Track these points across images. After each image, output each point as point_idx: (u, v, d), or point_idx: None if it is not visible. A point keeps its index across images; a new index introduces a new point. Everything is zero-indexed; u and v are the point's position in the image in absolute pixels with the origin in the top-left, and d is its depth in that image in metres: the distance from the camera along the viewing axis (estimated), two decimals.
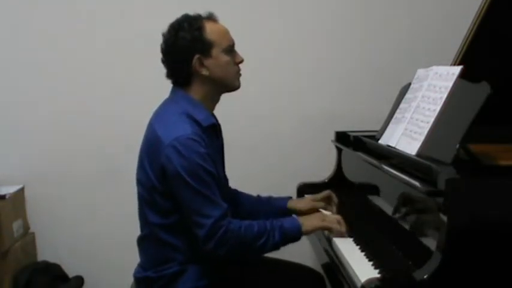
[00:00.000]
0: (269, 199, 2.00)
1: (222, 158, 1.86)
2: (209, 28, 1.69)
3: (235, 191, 2.01)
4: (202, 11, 1.75)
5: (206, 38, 1.67)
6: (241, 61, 1.75)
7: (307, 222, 1.73)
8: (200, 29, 1.67)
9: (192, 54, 1.67)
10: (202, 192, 1.58)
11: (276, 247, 1.68)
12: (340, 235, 1.75)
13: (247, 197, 2.01)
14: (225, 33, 1.73)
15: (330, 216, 1.81)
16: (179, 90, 1.74)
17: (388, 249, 1.61)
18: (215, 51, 1.68)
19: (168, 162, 1.59)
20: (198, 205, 1.58)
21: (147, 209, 1.70)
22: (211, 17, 1.73)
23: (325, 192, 1.98)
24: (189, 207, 1.59)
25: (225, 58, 1.71)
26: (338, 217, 1.79)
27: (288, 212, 1.93)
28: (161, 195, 1.65)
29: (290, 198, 2.02)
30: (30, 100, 2.65)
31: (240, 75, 1.77)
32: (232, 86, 1.76)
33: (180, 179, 1.57)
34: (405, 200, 1.60)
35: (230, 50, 1.72)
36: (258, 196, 2.02)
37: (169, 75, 1.75)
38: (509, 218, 1.32)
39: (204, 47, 1.67)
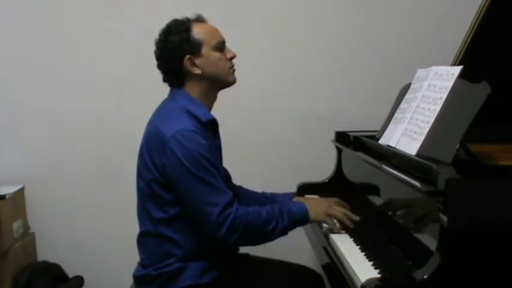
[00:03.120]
0: (273, 195, 2.01)
1: (220, 156, 1.86)
2: (196, 28, 1.72)
3: (239, 187, 2.02)
4: (201, 12, 1.77)
5: (194, 37, 1.71)
6: (234, 56, 1.78)
7: (314, 210, 1.75)
8: (188, 30, 1.71)
9: (183, 55, 1.70)
10: (207, 180, 1.59)
11: (284, 231, 1.70)
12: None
13: (251, 193, 2.02)
14: (213, 31, 1.76)
15: (336, 209, 1.80)
16: (177, 89, 1.76)
17: (388, 249, 1.61)
18: (205, 50, 1.71)
19: (171, 153, 1.60)
20: (204, 194, 1.59)
21: (149, 202, 1.71)
22: (199, 19, 1.77)
23: (333, 199, 1.94)
24: (195, 197, 1.60)
25: (216, 55, 1.73)
26: (344, 210, 1.80)
27: None
28: (161, 187, 1.66)
29: (295, 194, 2.01)
30: (30, 100, 2.65)
31: (233, 70, 1.78)
32: (227, 81, 1.77)
33: (184, 169, 1.59)
34: (405, 200, 1.60)
35: (220, 47, 1.75)
36: (263, 193, 2.03)
37: (165, 78, 1.78)
38: (509, 218, 1.32)
39: (193, 46, 1.70)
